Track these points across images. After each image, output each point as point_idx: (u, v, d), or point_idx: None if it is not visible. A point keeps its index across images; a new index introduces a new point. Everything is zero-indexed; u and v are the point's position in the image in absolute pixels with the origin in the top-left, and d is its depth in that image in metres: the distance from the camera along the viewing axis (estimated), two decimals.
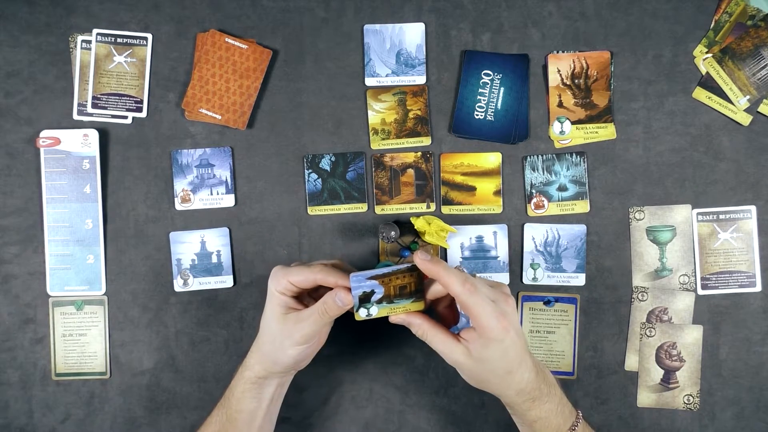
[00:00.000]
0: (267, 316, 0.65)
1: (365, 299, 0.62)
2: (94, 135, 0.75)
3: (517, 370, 0.60)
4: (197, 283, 0.76)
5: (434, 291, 0.63)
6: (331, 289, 0.62)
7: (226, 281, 0.76)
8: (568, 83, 0.76)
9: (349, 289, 0.62)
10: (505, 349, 0.59)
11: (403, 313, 0.62)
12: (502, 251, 0.76)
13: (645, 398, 0.76)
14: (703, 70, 0.76)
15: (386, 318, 0.63)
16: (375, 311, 0.63)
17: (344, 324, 0.77)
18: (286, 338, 0.63)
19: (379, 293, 0.63)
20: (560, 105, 0.76)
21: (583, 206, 0.76)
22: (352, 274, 0.62)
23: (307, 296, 0.67)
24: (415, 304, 0.63)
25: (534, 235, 0.76)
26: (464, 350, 0.60)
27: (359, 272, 0.62)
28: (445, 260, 0.76)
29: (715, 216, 0.76)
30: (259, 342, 0.66)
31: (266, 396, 0.66)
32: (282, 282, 0.63)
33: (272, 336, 0.64)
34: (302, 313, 0.63)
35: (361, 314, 0.63)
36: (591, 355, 0.76)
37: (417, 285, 0.62)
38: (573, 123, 0.76)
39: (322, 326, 0.63)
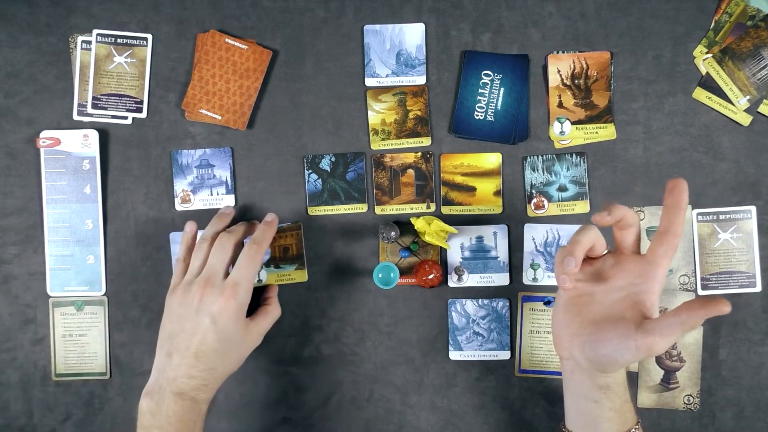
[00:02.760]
0: (235, 324, 0.64)
1: None
2: (94, 135, 0.76)
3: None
4: None
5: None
6: None
7: None
8: (568, 83, 0.76)
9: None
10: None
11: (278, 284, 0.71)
12: (502, 251, 0.76)
13: (645, 398, 0.76)
14: (703, 71, 0.76)
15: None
16: (265, 276, 0.73)
17: (344, 324, 0.77)
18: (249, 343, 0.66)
19: (267, 253, 0.70)
20: (560, 105, 0.76)
21: (583, 206, 0.76)
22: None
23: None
24: (299, 272, 0.73)
25: (534, 235, 0.76)
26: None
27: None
28: (445, 261, 0.76)
29: (715, 216, 0.76)
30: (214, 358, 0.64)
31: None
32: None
33: (233, 343, 0.64)
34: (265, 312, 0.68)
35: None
36: None
37: (298, 249, 0.66)
38: (573, 123, 0.76)
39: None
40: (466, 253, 0.76)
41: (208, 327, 0.62)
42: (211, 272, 0.64)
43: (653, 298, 0.55)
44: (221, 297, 0.63)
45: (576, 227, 0.76)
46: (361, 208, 0.76)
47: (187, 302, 0.64)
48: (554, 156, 0.76)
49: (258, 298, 0.70)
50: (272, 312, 0.69)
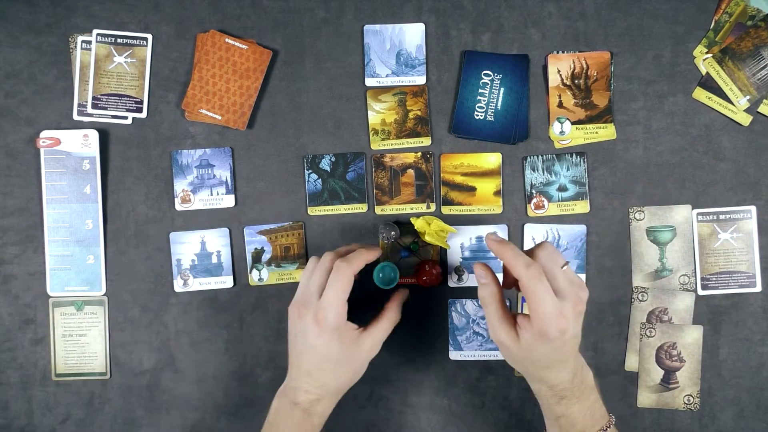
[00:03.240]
0: (336, 347, 0.63)
1: (257, 259, 0.69)
2: (94, 135, 0.76)
3: (556, 368, 0.60)
4: (197, 284, 0.76)
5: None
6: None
7: (226, 282, 0.76)
8: (568, 83, 0.76)
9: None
10: (554, 348, 0.58)
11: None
12: None
13: (645, 398, 0.76)
14: (703, 71, 0.76)
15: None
16: (266, 275, 0.74)
17: None
18: (363, 355, 0.65)
19: (268, 252, 0.71)
20: (560, 105, 0.76)
21: (583, 206, 0.76)
22: (245, 226, 0.71)
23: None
24: (300, 271, 0.72)
25: (534, 235, 0.76)
26: (513, 336, 0.59)
27: (252, 225, 0.73)
28: (445, 261, 0.77)
29: (715, 216, 0.76)
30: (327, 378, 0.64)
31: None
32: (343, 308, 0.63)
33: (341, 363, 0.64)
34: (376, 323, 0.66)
35: (254, 278, 0.74)
36: (591, 355, 0.76)
37: (300, 248, 0.68)
38: (573, 123, 0.76)
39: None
40: (466, 253, 0.76)
41: (310, 349, 0.63)
42: (322, 305, 0.63)
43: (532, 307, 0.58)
44: (314, 322, 0.62)
45: (576, 227, 0.76)
46: (361, 208, 0.76)
47: (296, 321, 0.64)
48: (554, 156, 0.76)
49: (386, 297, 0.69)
50: (386, 321, 0.67)
